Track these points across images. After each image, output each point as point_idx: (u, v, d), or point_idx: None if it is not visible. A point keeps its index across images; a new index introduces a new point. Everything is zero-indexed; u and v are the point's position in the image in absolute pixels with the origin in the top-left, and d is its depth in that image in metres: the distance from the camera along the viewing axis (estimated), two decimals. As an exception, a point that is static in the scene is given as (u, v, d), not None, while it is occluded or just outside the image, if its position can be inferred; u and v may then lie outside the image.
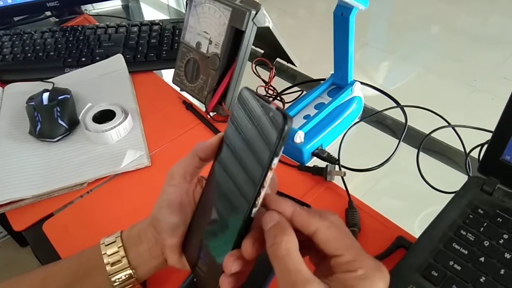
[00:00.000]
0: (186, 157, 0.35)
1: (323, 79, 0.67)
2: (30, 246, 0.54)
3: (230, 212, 0.31)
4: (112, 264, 0.37)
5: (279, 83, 0.70)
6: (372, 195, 0.53)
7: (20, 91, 0.71)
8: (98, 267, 0.37)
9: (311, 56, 1.88)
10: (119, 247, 0.37)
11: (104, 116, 0.63)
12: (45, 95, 0.64)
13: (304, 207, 0.31)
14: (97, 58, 0.76)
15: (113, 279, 0.37)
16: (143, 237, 0.37)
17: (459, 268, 0.39)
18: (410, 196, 0.58)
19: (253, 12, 0.55)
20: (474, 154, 0.54)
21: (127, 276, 0.37)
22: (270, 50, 0.71)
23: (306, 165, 0.55)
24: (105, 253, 0.37)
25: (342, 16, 0.53)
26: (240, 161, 0.30)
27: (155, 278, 0.42)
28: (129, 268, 0.37)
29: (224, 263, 0.29)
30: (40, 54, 0.78)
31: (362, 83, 0.63)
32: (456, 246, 0.40)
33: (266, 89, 0.65)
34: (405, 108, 0.62)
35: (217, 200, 0.33)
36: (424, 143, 0.56)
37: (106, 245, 0.38)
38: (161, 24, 0.83)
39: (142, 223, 0.39)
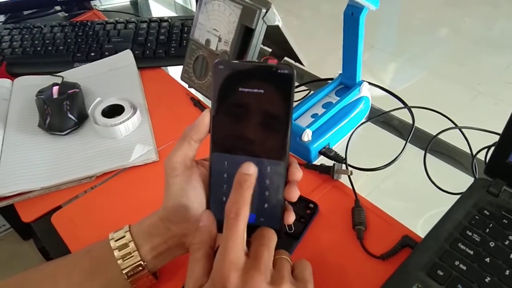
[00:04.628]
0: (181, 145, 0.35)
1: (331, 79, 0.67)
2: (36, 238, 0.55)
3: (266, 168, 0.33)
4: (124, 258, 0.37)
5: (287, 82, 0.70)
6: (378, 195, 0.54)
7: (30, 84, 0.71)
8: (109, 262, 0.37)
9: (316, 56, 1.88)
10: (129, 242, 0.38)
11: (113, 111, 0.63)
12: (55, 89, 0.64)
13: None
14: (106, 53, 0.77)
15: (125, 272, 0.37)
16: (154, 231, 0.38)
17: (464, 268, 0.39)
18: (416, 197, 0.58)
19: (263, 10, 0.55)
20: (481, 156, 0.54)
21: (139, 269, 0.37)
22: (278, 49, 0.71)
23: (313, 163, 0.55)
24: (116, 248, 0.38)
25: (352, 16, 0.54)
26: (253, 118, 0.33)
27: (165, 268, 0.42)
28: (141, 261, 0.37)
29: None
30: (50, 48, 0.79)
31: (369, 83, 0.64)
32: (462, 246, 0.41)
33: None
34: (412, 109, 0.62)
35: (244, 161, 0.33)
36: (431, 144, 0.57)
37: (116, 240, 0.38)
38: (170, 21, 0.84)
39: (150, 218, 0.39)
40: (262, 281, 0.29)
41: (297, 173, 0.34)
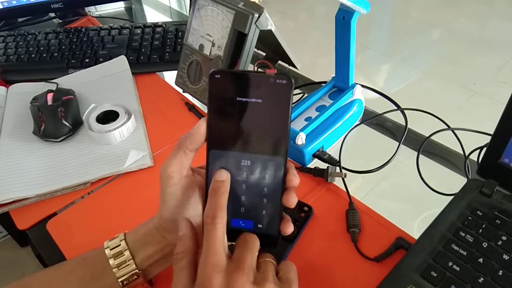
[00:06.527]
0: (177, 154, 0.35)
1: (324, 82, 0.68)
2: (32, 245, 0.55)
3: (264, 176, 0.33)
4: (119, 267, 0.37)
5: (281, 86, 0.70)
6: (372, 197, 0.54)
7: (24, 91, 0.71)
8: (105, 270, 0.37)
9: (312, 59, 1.89)
10: (125, 250, 0.38)
11: (108, 117, 0.63)
12: (50, 96, 0.64)
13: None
14: (101, 59, 0.77)
15: (120, 280, 0.37)
16: (150, 239, 0.38)
17: (458, 268, 0.39)
18: (410, 198, 0.58)
19: (256, 15, 0.55)
20: (473, 156, 0.54)
21: (135, 277, 0.38)
22: (272, 53, 0.72)
23: (307, 166, 0.55)
24: (111, 257, 0.38)
25: (343, 20, 0.54)
26: (251, 128, 0.33)
27: (161, 275, 0.42)
28: (136, 269, 0.37)
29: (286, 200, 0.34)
30: (44, 55, 0.79)
31: (363, 86, 0.64)
32: (455, 247, 0.41)
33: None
34: (405, 111, 0.62)
35: (242, 170, 0.34)
36: (424, 146, 0.57)
37: (111, 249, 0.38)
38: (164, 26, 0.84)
39: (146, 226, 0.39)
40: (245, 282, 0.29)
41: (295, 179, 0.34)
